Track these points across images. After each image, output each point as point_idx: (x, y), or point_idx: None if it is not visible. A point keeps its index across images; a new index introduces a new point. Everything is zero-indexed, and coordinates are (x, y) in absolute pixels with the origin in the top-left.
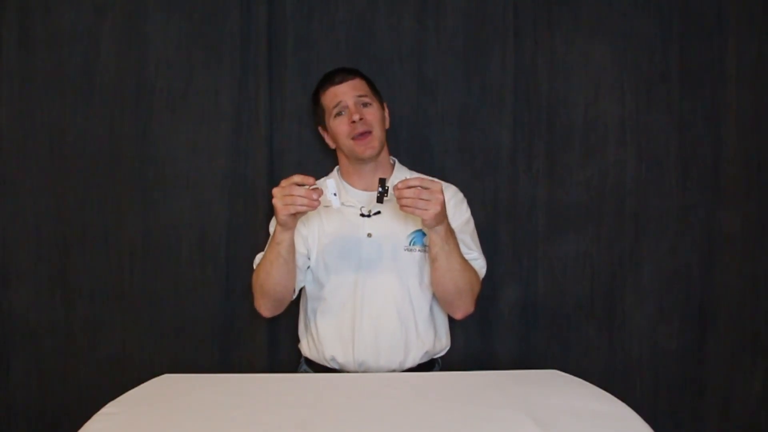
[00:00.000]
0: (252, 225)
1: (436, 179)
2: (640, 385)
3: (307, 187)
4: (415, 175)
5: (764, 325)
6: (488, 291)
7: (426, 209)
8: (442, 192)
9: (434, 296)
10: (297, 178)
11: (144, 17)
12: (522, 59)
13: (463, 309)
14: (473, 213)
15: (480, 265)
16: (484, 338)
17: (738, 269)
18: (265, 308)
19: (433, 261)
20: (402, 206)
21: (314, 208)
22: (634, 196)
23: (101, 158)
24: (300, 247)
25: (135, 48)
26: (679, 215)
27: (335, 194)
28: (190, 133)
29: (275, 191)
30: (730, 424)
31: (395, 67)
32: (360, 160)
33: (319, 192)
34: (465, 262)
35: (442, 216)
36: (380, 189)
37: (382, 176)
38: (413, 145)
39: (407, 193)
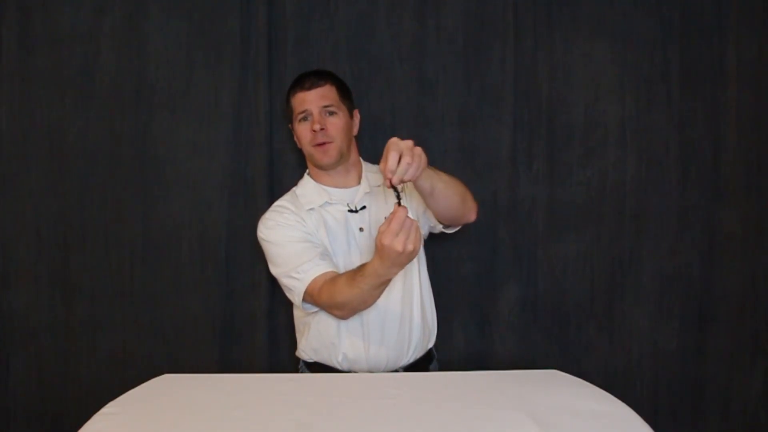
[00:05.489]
0: (252, 225)
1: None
2: (640, 385)
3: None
4: (376, 167)
5: (764, 325)
6: (488, 291)
7: (419, 165)
8: (413, 145)
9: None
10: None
11: (144, 17)
12: (522, 59)
13: (473, 208)
14: None
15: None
16: (484, 338)
17: (738, 269)
18: (348, 317)
19: (431, 192)
20: (414, 181)
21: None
22: (634, 196)
23: (101, 158)
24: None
25: (135, 48)
26: (679, 215)
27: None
28: (190, 133)
29: (400, 238)
30: (730, 423)
31: (395, 67)
32: (320, 166)
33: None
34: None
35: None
36: (396, 194)
37: (354, 176)
38: None
39: (402, 170)
